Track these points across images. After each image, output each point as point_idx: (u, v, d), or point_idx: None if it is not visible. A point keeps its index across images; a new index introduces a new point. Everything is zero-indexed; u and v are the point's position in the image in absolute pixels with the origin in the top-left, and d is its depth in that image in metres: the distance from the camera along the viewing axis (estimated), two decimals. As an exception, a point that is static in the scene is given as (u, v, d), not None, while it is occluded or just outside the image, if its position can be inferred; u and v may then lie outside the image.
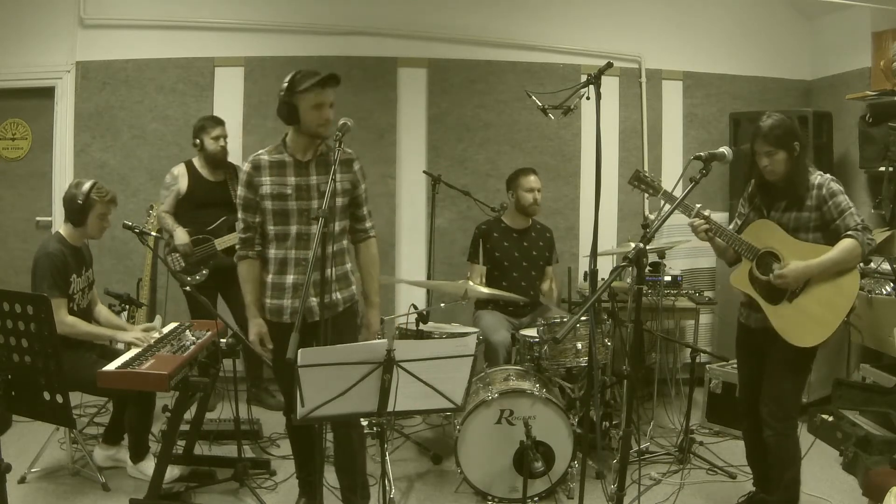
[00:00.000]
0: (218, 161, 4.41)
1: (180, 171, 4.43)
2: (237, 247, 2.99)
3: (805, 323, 2.81)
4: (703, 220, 2.91)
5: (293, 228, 2.86)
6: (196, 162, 4.45)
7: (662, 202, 2.99)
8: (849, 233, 2.75)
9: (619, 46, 5.09)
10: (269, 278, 2.93)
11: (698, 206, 2.95)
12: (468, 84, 5.10)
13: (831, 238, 2.81)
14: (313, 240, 2.76)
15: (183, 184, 4.40)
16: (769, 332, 2.87)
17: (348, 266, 3.03)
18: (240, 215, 2.94)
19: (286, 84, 2.80)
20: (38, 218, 5.12)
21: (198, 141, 4.39)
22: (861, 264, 3.01)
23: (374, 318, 3.07)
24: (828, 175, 2.86)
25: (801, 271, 2.79)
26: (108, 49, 4.94)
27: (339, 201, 2.88)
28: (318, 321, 2.81)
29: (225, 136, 4.43)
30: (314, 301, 2.86)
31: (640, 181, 3.11)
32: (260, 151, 2.92)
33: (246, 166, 2.91)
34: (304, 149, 2.88)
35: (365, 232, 3.06)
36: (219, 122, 4.43)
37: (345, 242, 3.01)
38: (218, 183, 4.45)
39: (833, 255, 2.76)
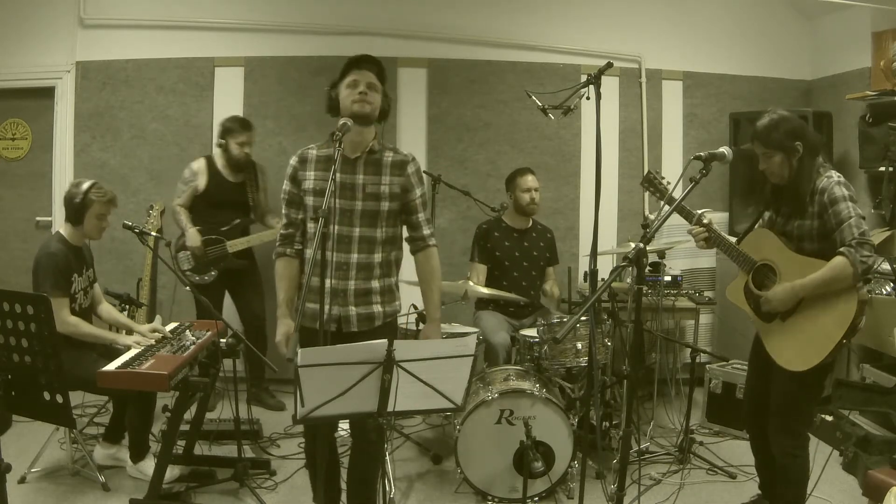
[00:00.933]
0: (241, 165, 4.40)
1: (200, 167, 4.40)
2: (277, 243, 2.83)
3: (794, 345, 2.64)
4: (702, 229, 2.82)
5: (334, 229, 2.69)
6: (217, 161, 4.42)
7: (662, 203, 2.98)
8: (841, 249, 2.51)
9: (619, 46, 5.09)
10: (306, 280, 2.73)
11: (699, 212, 2.89)
12: (468, 84, 5.10)
13: (834, 249, 2.56)
14: (355, 243, 2.66)
15: (202, 181, 4.37)
16: None
17: (393, 279, 2.80)
18: (283, 210, 2.81)
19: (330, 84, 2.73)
20: (38, 218, 5.12)
21: (223, 142, 4.37)
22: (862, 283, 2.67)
23: (433, 334, 2.87)
24: (835, 178, 2.62)
25: (786, 295, 2.63)
26: (108, 49, 4.94)
27: (387, 206, 2.70)
28: (355, 332, 2.69)
29: (251, 143, 4.41)
30: (353, 310, 2.69)
31: (651, 183, 3.10)
32: (310, 145, 2.80)
33: (293, 160, 2.77)
34: (352, 145, 2.70)
35: (423, 240, 2.82)
36: (247, 128, 4.40)
37: (394, 253, 2.79)
38: (237, 184, 4.44)
39: (821, 275, 2.54)
